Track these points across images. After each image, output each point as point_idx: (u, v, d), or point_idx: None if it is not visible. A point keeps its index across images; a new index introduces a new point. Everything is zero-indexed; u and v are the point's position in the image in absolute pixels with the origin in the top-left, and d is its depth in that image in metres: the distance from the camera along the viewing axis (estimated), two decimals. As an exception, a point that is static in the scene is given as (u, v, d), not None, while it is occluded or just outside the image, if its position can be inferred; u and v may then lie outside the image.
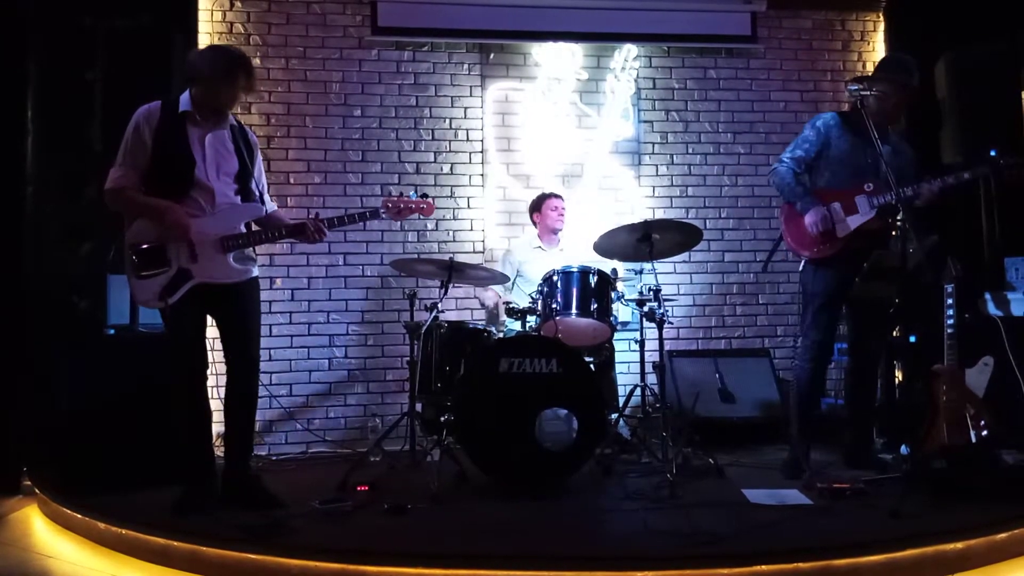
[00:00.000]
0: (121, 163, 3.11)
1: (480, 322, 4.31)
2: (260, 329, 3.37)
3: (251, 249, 3.26)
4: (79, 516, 3.19)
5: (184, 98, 3.16)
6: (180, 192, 3.10)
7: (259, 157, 3.40)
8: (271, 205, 3.42)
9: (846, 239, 3.52)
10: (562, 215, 4.58)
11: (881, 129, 3.46)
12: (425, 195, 3.48)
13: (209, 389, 3.32)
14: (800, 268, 3.73)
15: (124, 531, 2.97)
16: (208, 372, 3.31)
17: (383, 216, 3.43)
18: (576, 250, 4.49)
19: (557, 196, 4.64)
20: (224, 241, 3.13)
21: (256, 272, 3.31)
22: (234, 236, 3.15)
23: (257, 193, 3.29)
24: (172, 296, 3.08)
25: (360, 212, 3.38)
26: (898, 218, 3.54)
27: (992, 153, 4.24)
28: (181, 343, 3.19)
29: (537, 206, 4.64)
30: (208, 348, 3.31)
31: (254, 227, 3.30)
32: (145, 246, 3.08)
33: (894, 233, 3.63)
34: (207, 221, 3.12)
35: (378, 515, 3.04)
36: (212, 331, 3.32)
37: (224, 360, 3.27)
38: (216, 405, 3.36)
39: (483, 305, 4.57)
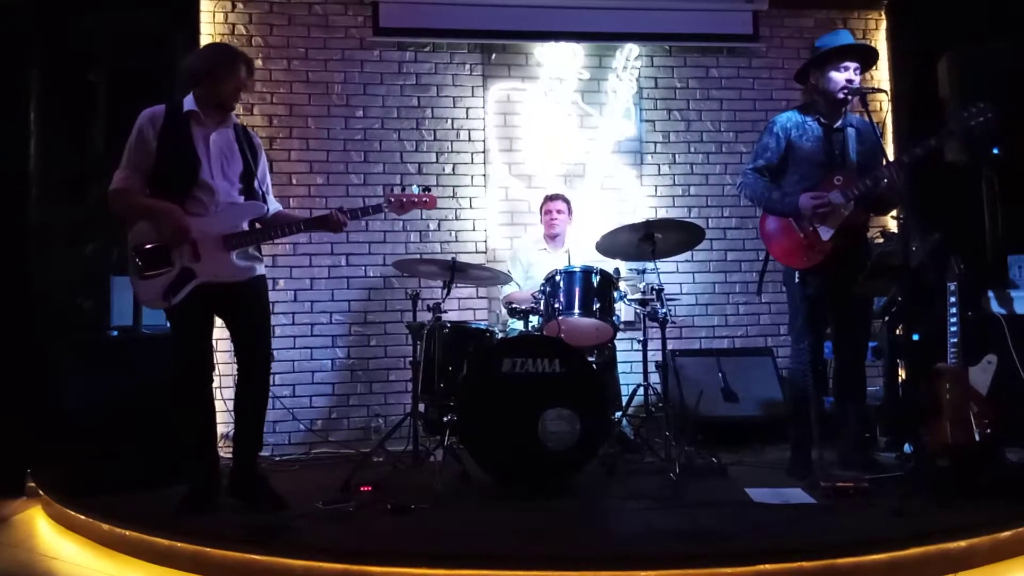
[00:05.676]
0: (125, 166, 3.12)
1: (482, 322, 4.31)
2: (270, 327, 3.38)
3: (256, 247, 3.26)
4: (82, 517, 3.19)
5: (188, 99, 3.17)
6: (184, 192, 3.10)
7: (263, 158, 3.40)
8: (275, 205, 3.42)
9: (832, 240, 3.42)
10: (555, 219, 4.53)
11: (835, 114, 3.52)
12: (427, 189, 3.49)
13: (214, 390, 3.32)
14: (783, 274, 3.62)
15: (127, 532, 2.97)
16: (213, 373, 3.30)
17: (386, 210, 3.43)
18: (579, 250, 4.48)
19: (554, 198, 4.58)
20: (226, 239, 3.13)
21: (262, 270, 3.30)
22: (236, 234, 3.15)
23: (260, 193, 3.30)
24: (175, 296, 3.08)
25: (363, 208, 3.39)
26: (899, 215, 3.52)
27: (995, 151, 4.25)
28: (186, 343, 3.19)
29: (540, 207, 4.66)
30: (213, 348, 3.31)
31: (257, 225, 3.29)
32: (148, 246, 3.08)
33: (871, 230, 3.56)
34: (209, 220, 3.12)
35: (381, 515, 3.04)
36: (218, 332, 3.31)
37: (236, 359, 3.26)
38: (221, 406, 3.36)
39: (510, 306, 4.07)
